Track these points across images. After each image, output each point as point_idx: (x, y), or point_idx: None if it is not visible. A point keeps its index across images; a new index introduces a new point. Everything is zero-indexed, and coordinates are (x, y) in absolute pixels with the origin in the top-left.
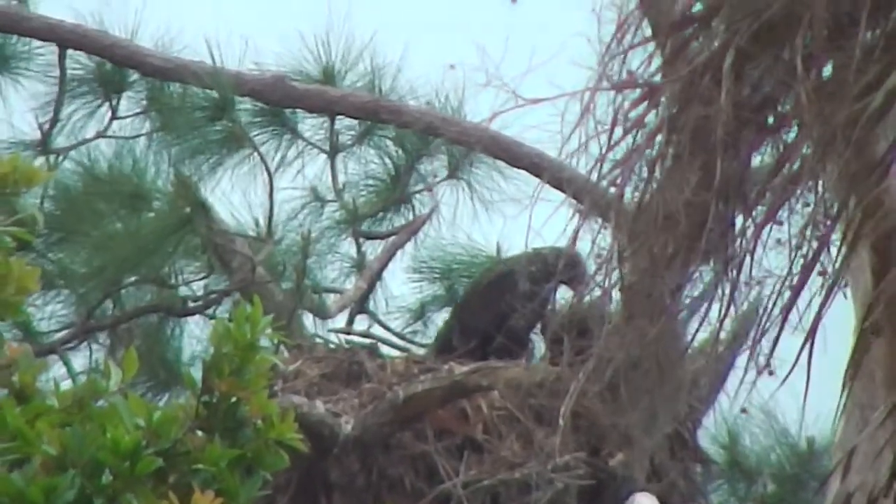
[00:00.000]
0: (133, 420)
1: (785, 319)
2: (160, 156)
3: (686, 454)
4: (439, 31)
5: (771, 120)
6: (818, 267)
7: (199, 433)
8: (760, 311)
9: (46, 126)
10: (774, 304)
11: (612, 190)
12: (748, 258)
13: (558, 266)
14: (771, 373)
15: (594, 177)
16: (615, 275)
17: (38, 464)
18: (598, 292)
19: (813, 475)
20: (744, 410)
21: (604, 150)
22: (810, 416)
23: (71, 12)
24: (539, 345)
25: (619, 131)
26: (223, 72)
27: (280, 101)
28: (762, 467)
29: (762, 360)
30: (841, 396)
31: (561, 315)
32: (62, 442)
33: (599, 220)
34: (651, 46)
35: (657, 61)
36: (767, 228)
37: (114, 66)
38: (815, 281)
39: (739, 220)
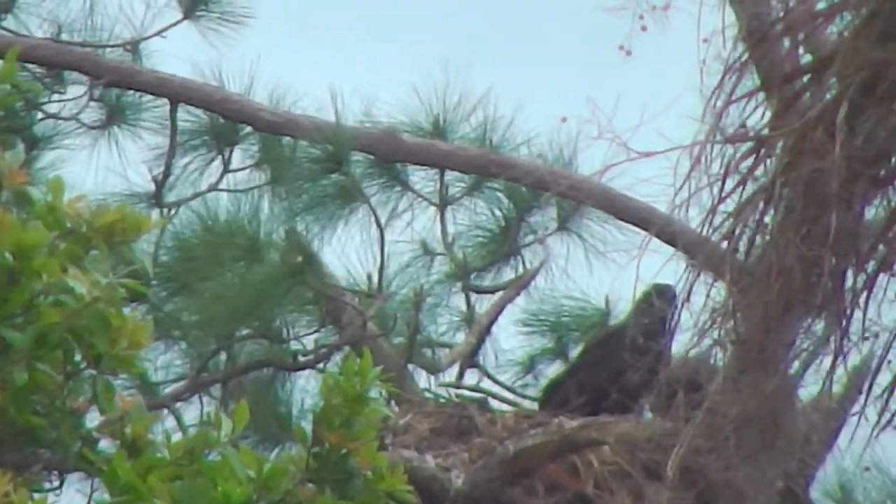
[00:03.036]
0: (244, 472)
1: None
2: (273, 209)
3: None
4: (553, 88)
5: (884, 173)
6: None
7: (310, 485)
8: (873, 365)
9: (160, 178)
10: (887, 353)
11: (724, 243)
12: (860, 312)
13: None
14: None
15: (705, 229)
16: (728, 329)
17: None
18: (708, 345)
19: None
20: (867, 469)
21: (715, 202)
22: None
23: (186, 65)
24: (650, 400)
25: (730, 183)
26: (339, 126)
27: (390, 154)
28: None
29: (880, 413)
30: None
31: (672, 369)
32: (173, 496)
33: (711, 274)
34: (761, 97)
35: (768, 113)
36: (882, 282)
37: (226, 119)
38: None
39: (851, 274)
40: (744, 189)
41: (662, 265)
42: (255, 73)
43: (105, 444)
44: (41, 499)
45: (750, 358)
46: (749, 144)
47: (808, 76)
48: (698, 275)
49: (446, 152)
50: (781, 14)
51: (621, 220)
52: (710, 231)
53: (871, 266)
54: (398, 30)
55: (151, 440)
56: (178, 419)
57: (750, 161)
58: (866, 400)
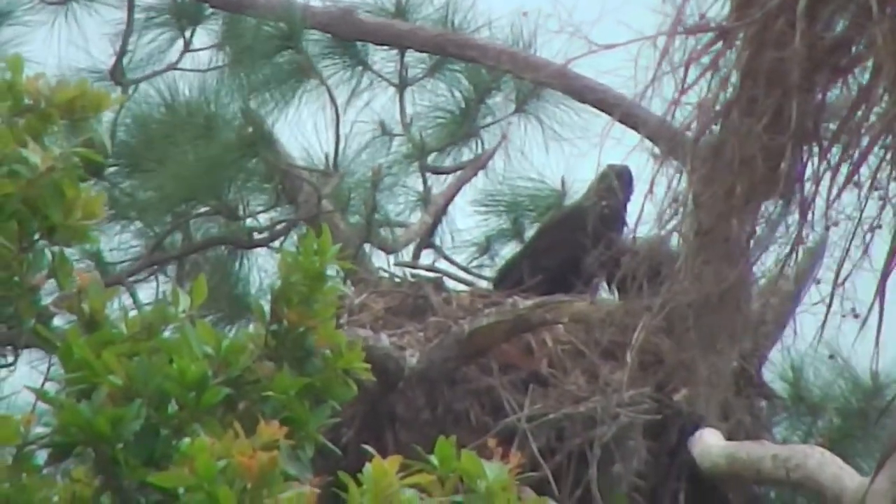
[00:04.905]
0: (202, 348)
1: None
2: (232, 88)
3: (751, 390)
4: None
5: (845, 61)
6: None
7: (268, 362)
8: (828, 249)
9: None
10: (849, 242)
11: (687, 133)
12: (822, 199)
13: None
14: (856, 316)
15: (668, 119)
16: (690, 218)
17: (104, 394)
18: (669, 233)
19: (878, 409)
20: (831, 357)
21: (677, 93)
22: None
23: None
24: (604, 281)
25: (692, 74)
26: (292, 3)
27: (348, 34)
28: (826, 402)
29: (839, 301)
30: None
31: (632, 254)
32: (128, 372)
33: (674, 163)
34: None
35: (729, 1)
36: (843, 169)
37: None
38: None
39: (813, 163)
40: (706, 80)
41: (627, 153)
42: None
43: (61, 321)
44: None
45: (712, 247)
46: (711, 35)
47: None
48: (661, 163)
49: (404, 31)
50: None
51: (582, 101)
52: (673, 122)
53: (832, 154)
54: None
55: (108, 316)
56: (134, 297)
57: (712, 51)
58: (833, 291)
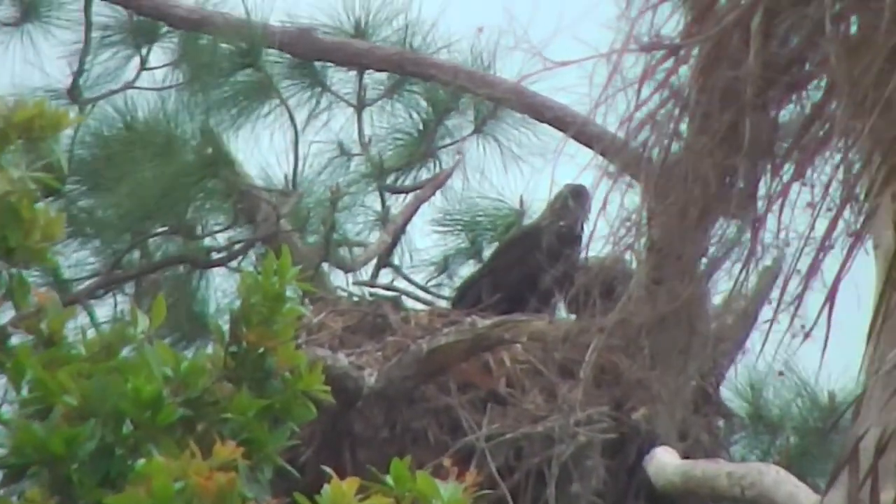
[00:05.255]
0: (161, 369)
1: (809, 277)
2: (190, 106)
3: (709, 409)
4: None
5: (799, 78)
6: (842, 224)
7: (227, 384)
8: (784, 267)
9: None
10: (797, 260)
11: (640, 149)
12: (774, 217)
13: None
14: (807, 335)
15: (622, 135)
16: (644, 236)
17: (59, 414)
18: (623, 251)
19: (835, 428)
20: (781, 373)
21: (631, 109)
22: (834, 370)
23: None
24: (562, 300)
25: (646, 90)
26: (251, 22)
27: (307, 53)
28: (784, 421)
29: (791, 319)
30: (865, 351)
31: (586, 272)
32: (83, 392)
33: (628, 180)
34: (678, 1)
35: (684, 17)
36: (796, 189)
37: (147, 17)
38: (839, 239)
39: (767, 180)
40: (660, 96)
41: (581, 171)
42: None
43: (19, 340)
44: None
45: (666, 265)
46: (664, 51)
47: None
48: (615, 181)
49: (363, 50)
50: None
51: (538, 120)
52: (626, 139)
53: (785, 172)
54: None
55: (66, 336)
56: (91, 315)
57: (666, 68)
58: (778, 307)
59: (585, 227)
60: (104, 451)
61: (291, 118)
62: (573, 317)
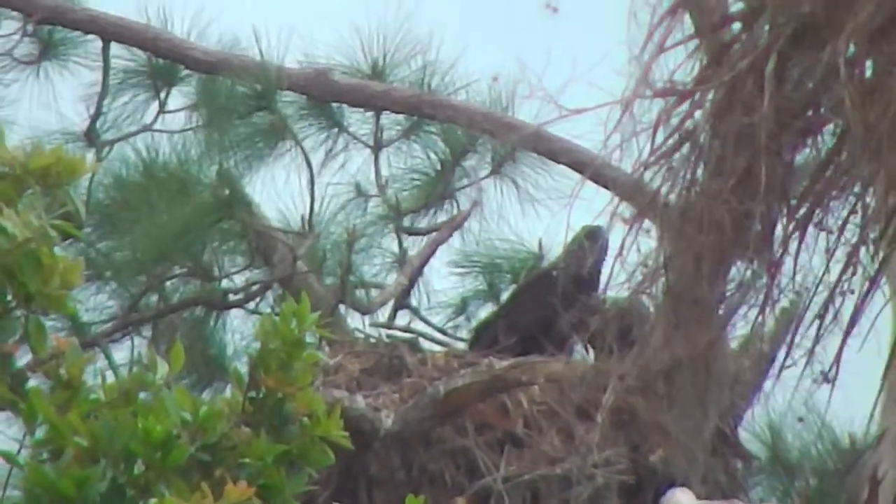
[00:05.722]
0: (179, 414)
1: (824, 321)
2: (207, 148)
3: (727, 450)
4: (483, 47)
5: (813, 122)
6: (859, 267)
7: (245, 428)
8: (801, 310)
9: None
10: (809, 302)
11: (656, 194)
12: (790, 260)
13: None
14: (827, 380)
15: (637, 180)
16: (661, 281)
17: (70, 455)
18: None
19: (855, 470)
20: (800, 420)
21: (647, 154)
22: (854, 412)
23: (129, 7)
24: (578, 341)
25: (661, 135)
26: (266, 64)
27: (322, 95)
28: (804, 463)
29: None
30: (880, 391)
31: (603, 314)
32: (94, 433)
33: (645, 224)
34: (691, 46)
35: (697, 62)
36: (813, 234)
37: (164, 59)
38: (855, 282)
39: (783, 224)
40: (675, 140)
41: (598, 213)
42: (197, 13)
43: (36, 383)
44: None
45: (683, 310)
46: (678, 96)
47: (739, 24)
48: (632, 225)
49: (378, 92)
50: None
51: (556, 161)
52: (643, 184)
53: (800, 215)
54: None
55: (85, 381)
56: (109, 358)
57: (680, 112)
58: (789, 350)
59: (602, 269)
60: (115, 492)
61: (307, 160)
62: (590, 358)
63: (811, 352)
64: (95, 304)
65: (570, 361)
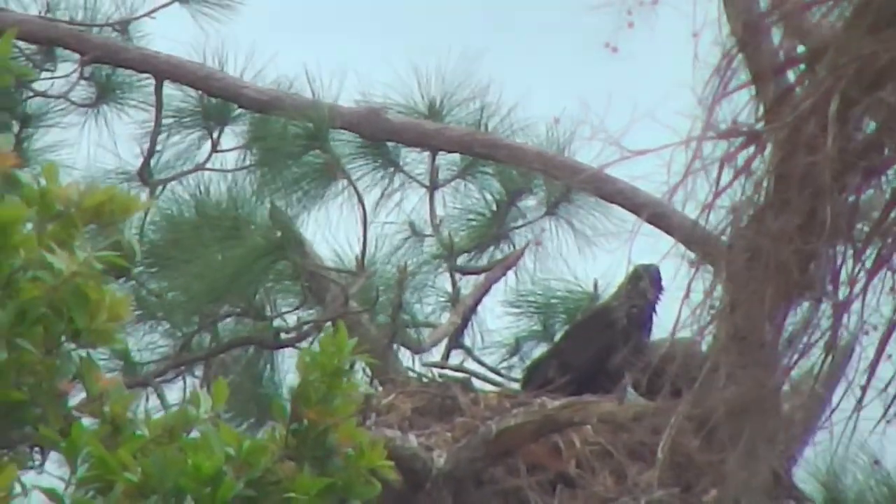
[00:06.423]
0: (223, 449)
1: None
2: (260, 188)
3: (781, 492)
4: (544, 87)
5: (877, 162)
6: None
7: (289, 462)
8: (857, 349)
9: (146, 156)
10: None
11: (721, 238)
12: (857, 301)
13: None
14: (889, 421)
15: (701, 223)
16: (726, 323)
17: (120, 491)
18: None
19: None
20: (877, 462)
21: (711, 197)
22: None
23: (179, 47)
24: (631, 381)
25: (725, 177)
26: (317, 103)
27: (375, 133)
28: None
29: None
30: None
31: (659, 354)
32: (144, 469)
33: (708, 266)
34: (754, 90)
35: (761, 104)
36: (881, 275)
37: (218, 99)
38: None
39: (849, 265)
40: (739, 182)
41: (660, 259)
42: (251, 54)
43: (87, 423)
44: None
45: (748, 352)
46: (742, 138)
47: (801, 67)
48: (696, 268)
49: (431, 131)
50: (773, 4)
51: (611, 202)
52: (707, 226)
53: (867, 257)
54: (400, 23)
55: (131, 419)
56: (161, 397)
57: (745, 154)
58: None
59: (656, 308)
60: None
61: (360, 197)
62: (642, 399)
63: (885, 391)
64: (148, 343)
65: (623, 401)
